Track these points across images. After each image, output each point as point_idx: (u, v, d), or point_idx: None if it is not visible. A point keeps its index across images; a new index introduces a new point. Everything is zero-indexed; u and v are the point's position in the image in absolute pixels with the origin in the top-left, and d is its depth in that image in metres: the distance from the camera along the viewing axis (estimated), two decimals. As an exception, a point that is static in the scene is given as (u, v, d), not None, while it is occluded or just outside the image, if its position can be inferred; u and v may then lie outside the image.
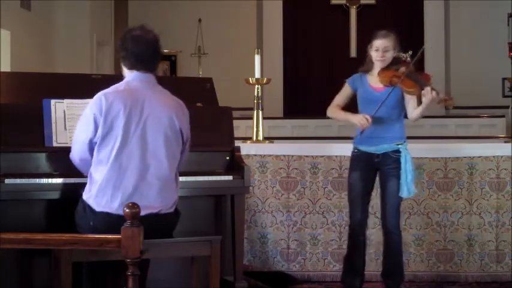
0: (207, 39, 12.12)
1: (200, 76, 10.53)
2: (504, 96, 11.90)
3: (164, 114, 3.83)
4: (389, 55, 4.64)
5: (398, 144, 4.60)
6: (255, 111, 5.89)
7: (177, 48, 12.37)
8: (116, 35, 11.79)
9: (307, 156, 5.44)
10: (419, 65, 11.73)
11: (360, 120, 4.56)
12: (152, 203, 3.74)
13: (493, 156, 5.39)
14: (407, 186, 4.54)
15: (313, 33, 12.69)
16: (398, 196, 4.57)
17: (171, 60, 12.47)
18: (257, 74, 5.94)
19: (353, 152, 4.73)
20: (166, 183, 3.81)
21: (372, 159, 4.63)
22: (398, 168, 4.55)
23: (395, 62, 4.67)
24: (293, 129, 10.78)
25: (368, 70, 4.70)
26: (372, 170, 4.66)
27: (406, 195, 4.56)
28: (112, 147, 3.72)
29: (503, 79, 11.68)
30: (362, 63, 4.77)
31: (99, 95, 3.78)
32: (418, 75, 4.66)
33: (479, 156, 5.39)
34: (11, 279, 4.16)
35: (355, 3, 12.46)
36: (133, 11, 12.44)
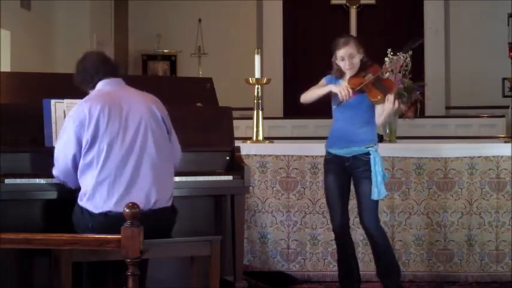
0: (207, 39, 12.12)
1: (200, 76, 10.53)
2: (504, 96, 11.89)
3: (143, 105, 3.89)
4: (356, 60, 4.60)
5: (368, 147, 4.58)
6: (255, 111, 5.90)
7: (177, 48, 12.37)
8: (116, 35, 11.79)
9: (307, 156, 5.44)
10: (420, 65, 11.76)
11: (341, 89, 4.52)
12: (148, 193, 3.77)
13: (493, 156, 5.39)
14: (378, 188, 4.52)
15: (313, 33, 12.68)
16: (372, 198, 4.55)
17: (171, 60, 12.46)
18: (257, 74, 5.94)
19: (325, 155, 4.73)
20: (160, 174, 3.84)
21: (343, 163, 4.62)
22: (370, 170, 4.54)
23: (364, 67, 4.62)
24: (293, 129, 10.76)
25: (341, 77, 4.67)
26: (345, 173, 4.65)
27: (376, 197, 4.54)
28: (99, 148, 3.75)
29: (503, 79, 11.67)
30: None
31: (75, 107, 3.85)
32: (384, 83, 4.63)
33: (479, 156, 5.39)
34: (11, 279, 4.16)
35: (355, 3, 12.44)
36: (133, 11, 12.43)
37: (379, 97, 4.53)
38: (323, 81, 4.74)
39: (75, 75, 4.01)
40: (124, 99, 3.86)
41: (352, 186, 4.71)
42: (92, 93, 3.95)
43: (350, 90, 4.50)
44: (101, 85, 3.94)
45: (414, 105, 4.78)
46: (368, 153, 4.57)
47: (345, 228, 4.73)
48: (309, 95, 4.70)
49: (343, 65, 4.60)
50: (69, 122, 3.82)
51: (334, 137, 4.68)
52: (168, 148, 3.94)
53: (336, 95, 4.57)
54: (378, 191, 4.52)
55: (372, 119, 4.63)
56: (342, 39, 4.63)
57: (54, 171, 3.91)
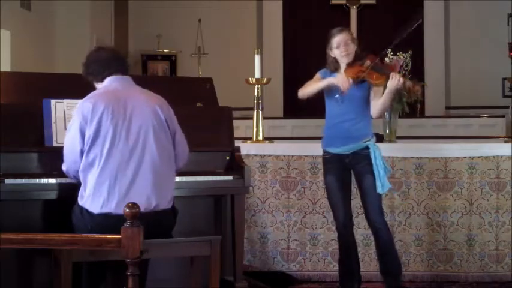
0: (207, 39, 12.11)
1: (200, 76, 10.53)
2: (504, 96, 11.89)
3: (147, 106, 3.87)
4: (352, 48, 4.60)
5: (365, 142, 4.57)
6: (255, 111, 5.89)
7: (177, 48, 12.37)
8: (116, 35, 11.79)
9: (307, 156, 5.45)
10: (419, 66, 11.75)
11: (341, 80, 4.48)
12: (149, 196, 3.76)
13: (493, 156, 5.39)
14: (381, 182, 4.51)
15: (313, 33, 12.67)
16: (376, 192, 4.54)
17: (171, 60, 12.46)
18: (257, 74, 5.94)
19: (323, 155, 4.72)
20: (161, 176, 3.83)
21: (343, 160, 4.61)
22: (371, 164, 4.53)
23: (359, 58, 4.60)
24: (293, 129, 10.76)
25: (335, 70, 4.66)
26: (346, 170, 4.64)
27: (381, 190, 4.53)
28: (101, 147, 3.74)
29: (503, 79, 11.67)
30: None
31: (80, 102, 3.84)
32: (383, 67, 4.60)
33: (479, 156, 5.40)
34: (11, 279, 4.16)
35: (355, 3, 12.45)
36: (133, 11, 12.43)
37: (380, 79, 4.47)
38: (318, 75, 4.72)
39: (86, 64, 3.98)
40: (129, 99, 3.85)
41: (353, 183, 4.70)
42: (98, 89, 3.93)
43: (350, 80, 4.46)
44: (108, 81, 3.93)
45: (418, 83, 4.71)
46: (367, 148, 4.56)
47: (348, 227, 4.72)
48: (308, 90, 4.69)
49: (339, 52, 4.58)
50: (74, 118, 3.82)
51: (330, 136, 4.66)
52: (170, 150, 3.93)
53: (331, 88, 4.52)
54: (381, 184, 4.51)
55: (367, 113, 4.60)
56: (335, 28, 4.67)
57: (64, 167, 3.90)
